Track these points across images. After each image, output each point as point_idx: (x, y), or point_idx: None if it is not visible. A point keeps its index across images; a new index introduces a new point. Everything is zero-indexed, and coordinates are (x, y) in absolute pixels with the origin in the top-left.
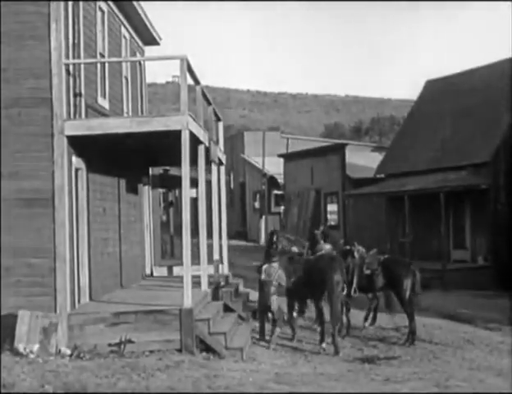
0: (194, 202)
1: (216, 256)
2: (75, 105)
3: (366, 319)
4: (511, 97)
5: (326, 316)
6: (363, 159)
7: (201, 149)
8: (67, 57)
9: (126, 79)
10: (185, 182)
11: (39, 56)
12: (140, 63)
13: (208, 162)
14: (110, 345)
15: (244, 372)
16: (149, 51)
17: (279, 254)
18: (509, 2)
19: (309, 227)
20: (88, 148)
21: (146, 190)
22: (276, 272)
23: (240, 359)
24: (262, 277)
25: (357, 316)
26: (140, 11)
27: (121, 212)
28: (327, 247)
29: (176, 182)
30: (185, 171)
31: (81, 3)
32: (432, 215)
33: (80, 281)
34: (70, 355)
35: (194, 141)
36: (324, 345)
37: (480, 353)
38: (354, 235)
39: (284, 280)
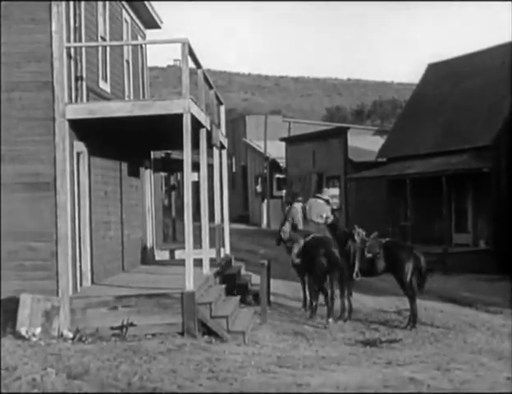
0: (196, 186)
1: (217, 240)
2: (76, 89)
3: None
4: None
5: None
6: (365, 143)
7: (203, 133)
8: (68, 40)
9: (128, 62)
10: (187, 166)
11: (40, 39)
12: (142, 47)
13: (210, 145)
14: (112, 328)
15: (246, 355)
16: (150, 34)
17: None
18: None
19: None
20: (89, 131)
21: (148, 174)
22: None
23: (242, 342)
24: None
25: (359, 299)
26: None
27: (123, 195)
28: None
29: (177, 166)
30: (187, 154)
31: None
32: (434, 199)
33: (82, 264)
34: (73, 339)
35: (196, 125)
36: (331, 320)
37: (481, 336)
38: (355, 218)
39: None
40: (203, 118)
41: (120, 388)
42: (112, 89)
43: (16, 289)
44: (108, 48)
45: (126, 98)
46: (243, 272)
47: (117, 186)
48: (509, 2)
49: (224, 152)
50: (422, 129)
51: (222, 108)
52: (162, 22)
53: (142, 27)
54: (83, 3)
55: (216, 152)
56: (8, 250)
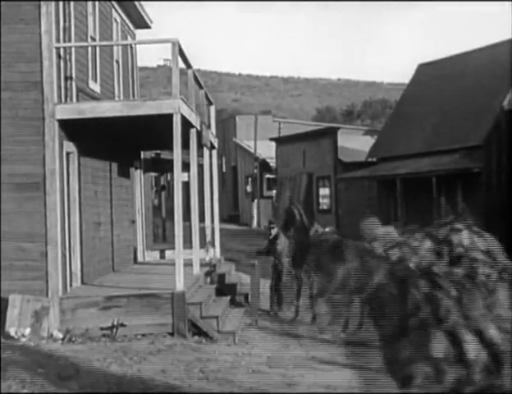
0: (186, 186)
1: (208, 240)
2: (66, 89)
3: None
4: (511, 79)
5: None
6: (355, 143)
7: (193, 133)
8: (58, 40)
9: (118, 62)
10: (177, 166)
11: (30, 39)
12: (132, 47)
13: (200, 145)
14: (102, 328)
15: (236, 355)
16: (140, 34)
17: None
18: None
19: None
20: (79, 132)
21: (138, 174)
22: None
23: (232, 342)
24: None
25: None
26: None
27: (113, 196)
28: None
29: (167, 166)
30: (177, 155)
31: None
32: (425, 198)
33: (72, 265)
34: (62, 339)
35: (186, 125)
36: None
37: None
38: (345, 218)
39: None
40: (193, 118)
41: (110, 389)
42: (102, 89)
43: (6, 289)
44: (98, 48)
45: (116, 99)
46: (233, 272)
47: (107, 187)
48: (509, 3)
49: (214, 152)
50: (413, 129)
51: (212, 108)
52: (152, 22)
53: (132, 27)
54: (72, 3)
55: (206, 152)
56: None
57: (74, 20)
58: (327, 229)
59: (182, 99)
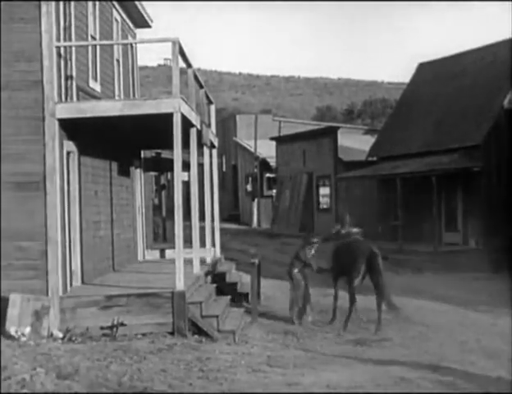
0: (186, 185)
1: (208, 239)
2: (66, 88)
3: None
4: (511, 79)
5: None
6: (356, 142)
7: (193, 132)
8: (58, 39)
9: (118, 62)
10: (177, 165)
11: (30, 38)
12: (132, 46)
13: (200, 145)
14: (102, 328)
15: (236, 354)
16: (141, 34)
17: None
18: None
19: (301, 211)
20: (79, 131)
21: (138, 173)
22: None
23: (232, 341)
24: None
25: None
26: None
27: (113, 195)
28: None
29: (168, 165)
30: (177, 154)
31: None
32: (424, 198)
33: (72, 264)
34: (62, 338)
35: (186, 124)
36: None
37: (471, 335)
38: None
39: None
40: (193, 117)
41: (110, 388)
42: (102, 89)
43: (6, 289)
44: (98, 48)
45: (117, 98)
46: (233, 271)
47: (107, 186)
48: (509, 2)
49: (214, 151)
50: (413, 128)
51: (213, 107)
52: (152, 21)
53: (132, 26)
54: (73, 3)
55: (206, 151)
56: None
57: (74, 20)
58: (354, 229)
59: (182, 98)
